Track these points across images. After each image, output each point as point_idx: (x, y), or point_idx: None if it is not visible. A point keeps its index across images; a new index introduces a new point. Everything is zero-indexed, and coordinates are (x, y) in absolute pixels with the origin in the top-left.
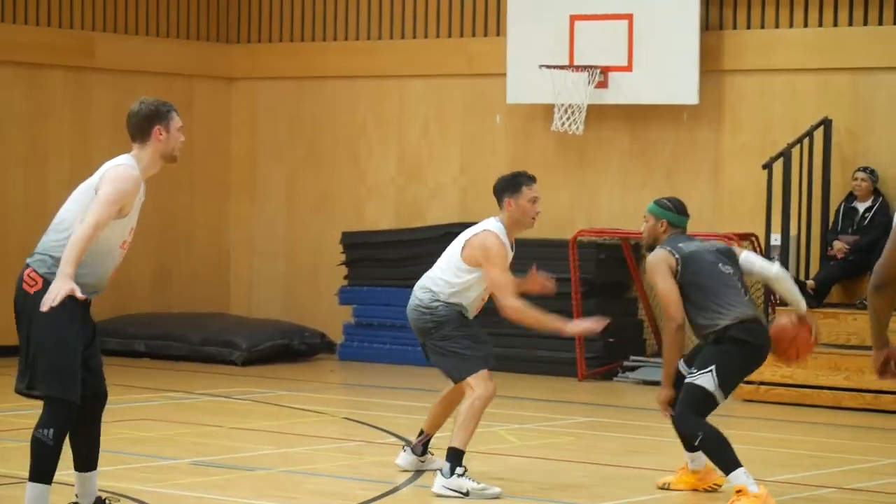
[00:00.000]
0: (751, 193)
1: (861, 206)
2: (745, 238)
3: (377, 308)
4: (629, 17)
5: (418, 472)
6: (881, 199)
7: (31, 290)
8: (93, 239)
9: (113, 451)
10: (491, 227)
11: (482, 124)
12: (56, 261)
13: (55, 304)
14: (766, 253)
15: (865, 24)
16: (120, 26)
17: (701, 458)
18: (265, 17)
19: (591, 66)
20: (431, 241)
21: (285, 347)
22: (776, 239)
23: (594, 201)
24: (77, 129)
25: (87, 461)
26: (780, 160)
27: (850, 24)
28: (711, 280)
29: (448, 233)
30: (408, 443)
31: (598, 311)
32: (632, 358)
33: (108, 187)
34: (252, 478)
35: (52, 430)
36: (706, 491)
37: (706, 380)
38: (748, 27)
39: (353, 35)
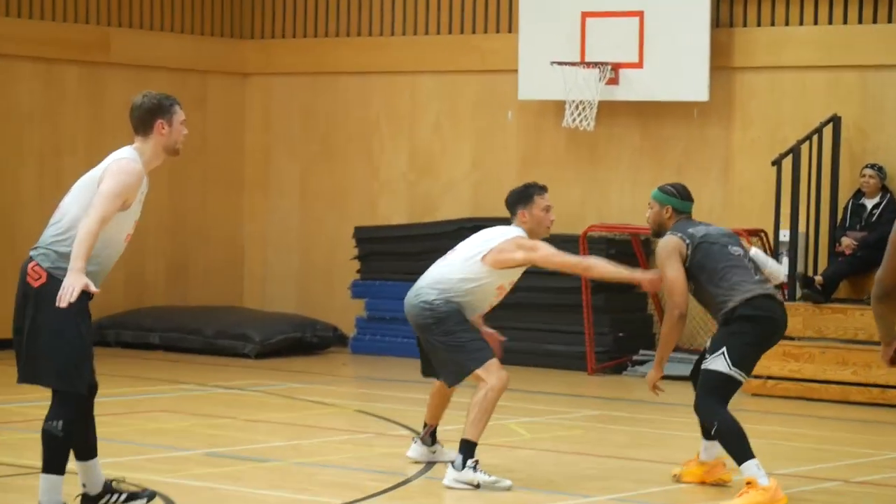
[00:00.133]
0: (760, 190)
1: (869, 203)
2: (755, 234)
3: (389, 302)
4: (640, 14)
5: (429, 464)
6: (889, 195)
7: (36, 284)
8: (98, 233)
9: (128, 442)
10: (518, 232)
11: (494, 120)
12: (59, 255)
13: (72, 299)
14: (775, 249)
15: (875, 21)
16: (135, 22)
17: (712, 450)
18: (279, 13)
19: (602, 63)
20: (443, 236)
21: (298, 340)
22: (785, 235)
23: (605, 197)
24: (92, 124)
25: (88, 449)
26: (790, 157)
27: (860, 21)
28: (721, 262)
29: (460, 228)
30: (418, 434)
31: (607, 305)
32: (641, 352)
33: (111, 181)
34: (265, 469)
35: (61, 422)
36: (713, 485)
37: (719, 363)
38: (758, 24)
39: (367, 31)
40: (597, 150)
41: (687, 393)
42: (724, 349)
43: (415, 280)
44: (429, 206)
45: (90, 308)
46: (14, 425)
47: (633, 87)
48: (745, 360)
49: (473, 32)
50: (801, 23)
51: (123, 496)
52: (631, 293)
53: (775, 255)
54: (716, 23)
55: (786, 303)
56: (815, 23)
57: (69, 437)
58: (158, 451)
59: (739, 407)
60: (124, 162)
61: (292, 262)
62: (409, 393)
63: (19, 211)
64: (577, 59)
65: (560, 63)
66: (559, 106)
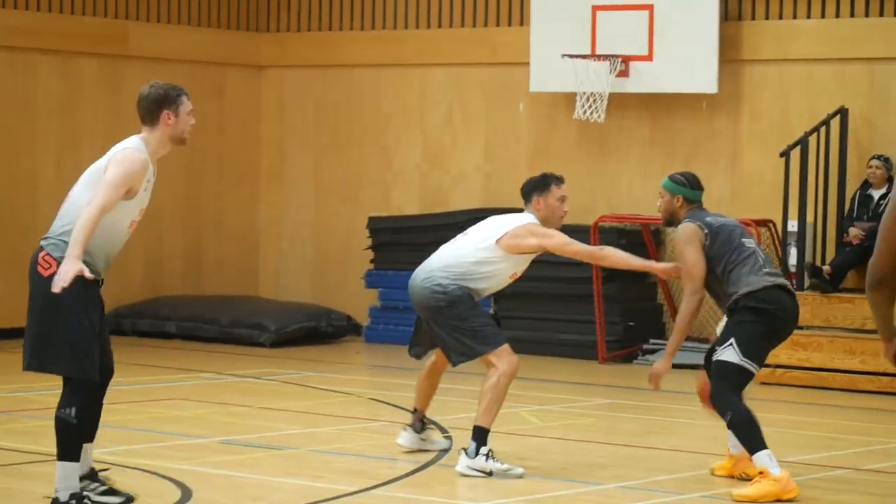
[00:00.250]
0: (768, 181)
1: (876, 194)
2: (763, 224)
3: (402, 292)
4: (650, 7)
5: (443, 452)
6: None
7: (46, 273)
8: (99, 221)
9: (144, 430)
10: (531, 219)
11: (505, 112)
12: (68, 243)
13: (66, 284)
14: (784, 239)
15: (882, 14)
16: (153, 15)
17: (735, 440)
18: (294, 6)
19: (612, 56)
20: (455, 227)
21: (313, 330)
22: (793, 225)
23: (615, 188)
24: (110, 117)
25: (88, 433)
26: (798, 148)
27: (867, 15)
28: (735, 252)
29: (472, 218)
30: (427, 420)
31: (618, 295)
32: (651, 341)
33: (114, 170)
34: (280, 457)
35: (74, 409)
36: (740, 479)
37: (729, 353)
38: (766, 18)
39: (380, 24)
40: (607, 142)
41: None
42: (733, 340)
43: None
44: (441, 197)
45: (104, 296)
46: (30, 413)
47: (643, 80)
48: (754, 350)
49: (485, 25)
50: (809, 16)
51: (103, 487)
52: (642, 283)
53: (784, 245)
54: (724, 16)
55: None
56: (823, 16)
57: (82, 424)
58: (175, 439)
59: (748, 396)
60: (129, 151)
61: (307, 252)
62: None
63: (37, 203)
64: (588, 52)
65: (571, 56)
66: (570, 98)
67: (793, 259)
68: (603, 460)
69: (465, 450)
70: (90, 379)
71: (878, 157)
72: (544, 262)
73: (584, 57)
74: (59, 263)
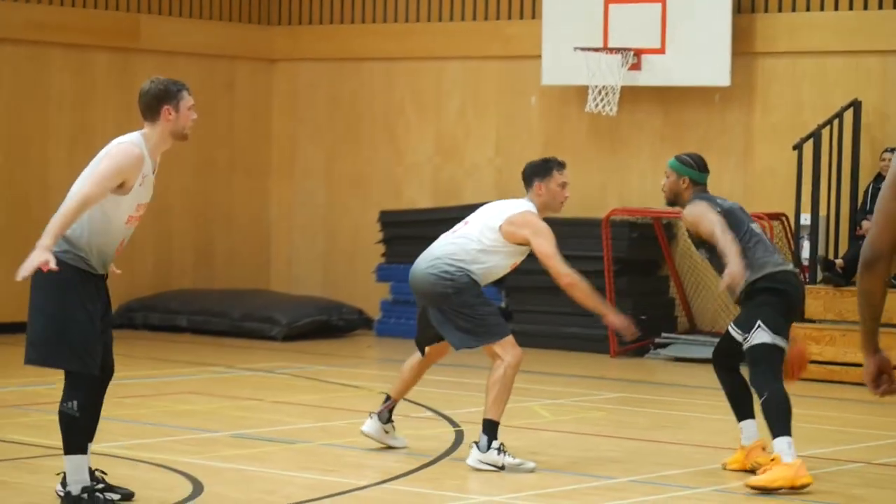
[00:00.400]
0: (781, 174)
1: None
2: (776, 218)
3: None
4: (662, 0)
5: (455, 445)
6: None
7: (45, 268)
8: (79, 212)
9: (156, 424)
10: (529, 207)
11: (517, 105)
12: (66, 237)
13: (27, 273)
14: (796, 232)
15: (895, 7)
16: (164, 8)
17: (748, 431)
18: (305, 0)
19: (624, 49)
20: None
21: (324, 323)
22: (806, 219)
23: (627, 181)
24: (122, 111)
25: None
26: (811, 141)
27: (880, 7)
28: (747, 237)
29: None
30: (444, 412)
31: (630, 289)
32: (663, 335)
33: (104, 164)
34: (292, 450)
35: (76, 402)
36: (752, 469)
37: (760, 335)
38: (779, 10)
39: (392, 17)
40: (619, 135)
41: (708, 375)
42: (760, 322)
43: None
44: (453, 190)
45: (111, 292)
46: (42, 406)
47: (656, 73)
48: (779, 328)
49: (497, 19)
50: (822, 8)
51: (102, 485)
52: (653, 276)
53: (797, 239)
54: (737, 8)
55: (807, 286)
56: (836, 8)
57: (86, 417)
58: (186, 433)
59: None
60: (123, 146)
61: (318, 246)
62: (432, 375)
63: (49, 197)
64: (600, 45)
65: (583, 49)
66: (582, 91)
67: (805, 253)
68: (614, 454)
69: (476, 444)
70: (90, 373)
71: (892, 150)
72: None
73: (596, 50)
74: (56, 258)
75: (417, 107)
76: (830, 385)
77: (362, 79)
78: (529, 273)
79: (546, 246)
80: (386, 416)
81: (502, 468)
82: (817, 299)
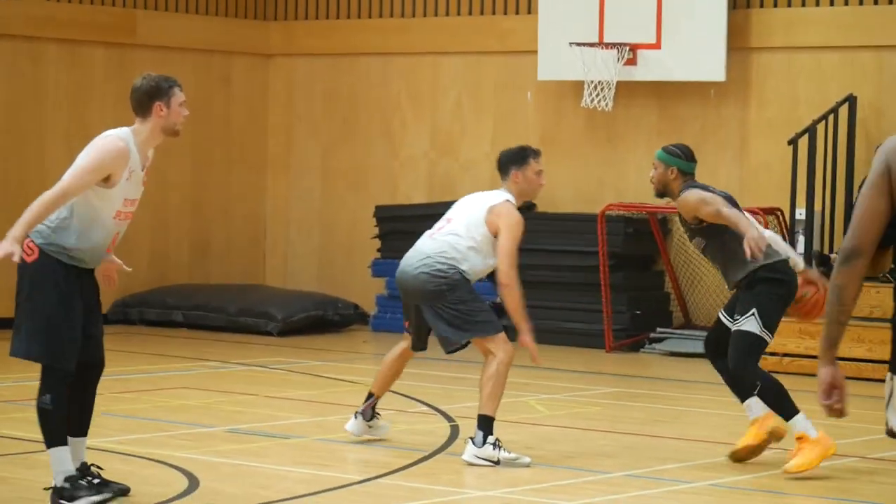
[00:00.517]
0: (776, 169)
1: None
2: (771, 213)
3: None
4: None
5: (450, 440)
6: None
7: (29, 260)
8: (56, 204)
9: (152, 419)
10: (508, 198)
11: (514, 100)
12: (52, 230)
13: None
14: (791, 227)
15: (891, 2)
16: (161, 4)
17: (755, 407)
18: None
19: (620, 44)
20: None
21: (320, 318)
22: (801, 213)
23: (622, 176)
24: (118, 106)
25: (77, 427)
26: (806, 136)
27: (876, 2)
28: None
29: None
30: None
31: (625, 284)
32: (658, 330)
33: (86, 156)
34: (287, 445)
35: (49, 396)
36: (771, 439)
37: (751, 324)
38: (775, 5)
39: (388, 12)
40: (615, 130)
41: (703, 370)
42: (755, 310)
43: None
44: (449, 185)
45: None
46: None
47: (651, 68)
48: (770, 322)
49: (493, 14)
50: (818, 4)
51: (97, 480)
52: (649, 271)
53: (792, 233)
54: (733, 4)
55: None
56: (831, 4)
57: (61, 409)
58: (181, 428)
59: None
60: (108, 139)
61: (314, 241)
62: (429, 370)
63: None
64: (596, 40)
65: (579, 44)
66: (578, 86)
67: (801, 247)
68: (610, 449)
69: (471, 439)
70: (63, 369)
71: None
72: (550, 252)
73: (591, 45)
74: (40, 250)
75: (413, 102)
76: None
77: (358, 74)
78: (523, 268)
79: (509, 244)
80: (370, 415)
81: (498, 463)
82: None
